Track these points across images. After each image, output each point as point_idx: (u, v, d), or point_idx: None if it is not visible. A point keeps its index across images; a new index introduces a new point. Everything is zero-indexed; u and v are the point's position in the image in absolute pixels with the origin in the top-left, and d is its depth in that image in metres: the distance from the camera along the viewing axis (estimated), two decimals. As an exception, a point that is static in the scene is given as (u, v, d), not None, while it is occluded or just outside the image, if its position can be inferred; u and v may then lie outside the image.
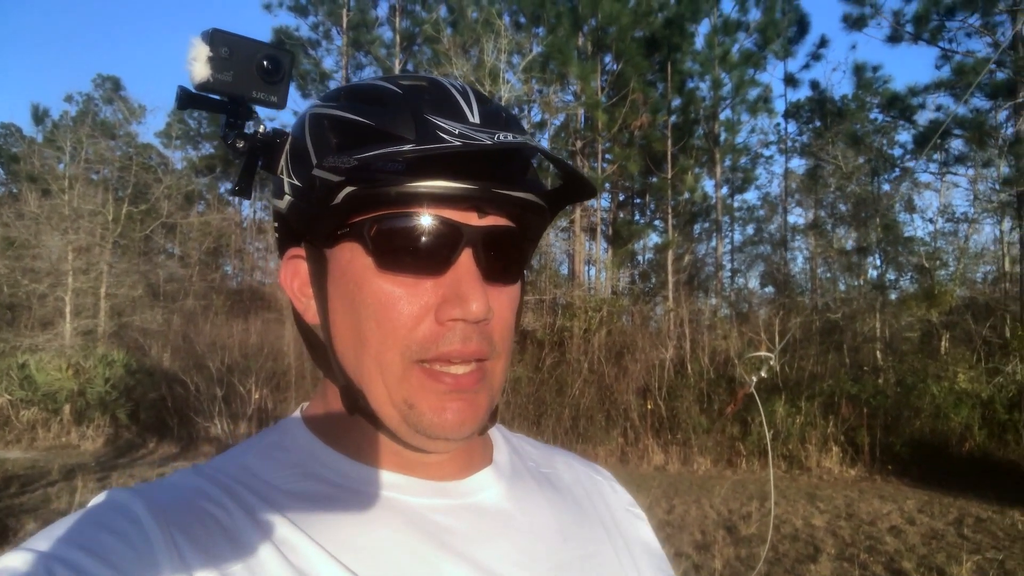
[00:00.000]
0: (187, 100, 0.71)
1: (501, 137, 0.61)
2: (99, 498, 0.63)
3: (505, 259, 0.69)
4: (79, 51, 69.00)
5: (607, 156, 21.77)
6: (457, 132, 0.61)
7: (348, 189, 0.62)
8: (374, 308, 0.65)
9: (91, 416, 15.20)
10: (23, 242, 19.79)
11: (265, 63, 0.72)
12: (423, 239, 0.64)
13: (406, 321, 0.65)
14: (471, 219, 0.65)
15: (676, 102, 22.39)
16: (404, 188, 0.62)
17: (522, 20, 21.76)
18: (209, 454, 11.91)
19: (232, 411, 14.24)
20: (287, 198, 0.70)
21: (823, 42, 22.32)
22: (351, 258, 0.67)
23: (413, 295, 0.65)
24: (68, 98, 29.76)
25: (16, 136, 30.57)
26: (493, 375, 0.69)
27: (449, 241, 0.65)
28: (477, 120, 0.65)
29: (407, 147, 0.59)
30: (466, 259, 0.65)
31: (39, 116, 29.89)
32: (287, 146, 0.71)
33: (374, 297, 0.65)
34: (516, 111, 22.34)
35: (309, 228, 0.69)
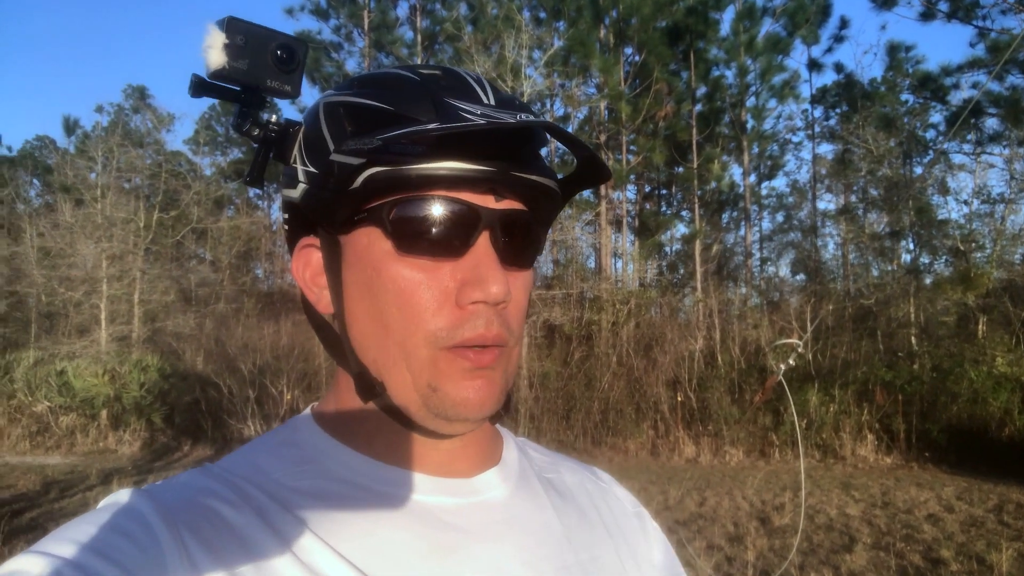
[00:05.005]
0: (201, 88, 0.70)
1: (522, 117, 0.62)
2: (108, 499, 0.62)
3: (521, 243, 0.69)
4: (108, 62, 70.42)
5: (631, 148, 21.68)
6: (479, 112, 0.62)
7: (369, 172, 0.62)
8: (395, 294, 0.65)
9: (127, 421, 15.51)
10: (59, 251, 20.21)
11: (280, 52, 0.72)
12: (442, 222, 0.64)
13: (428, 306, 0.65)
14: (488, 202, 0.66)
15: (701, 91, 22.23)
16: (424, 170, 0.62)
17: (542, 15, 21.74)
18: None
19: (265, 412, 14.43)
20: (301, 186, 0.70)
21: (844, 23, 22.03)
22: (368, 243, 0.67)
23: (433, 279, 0.65)
24: (99, 109, 30.37)
25: (50, 148, 31.24)
26: (509, 359, 0.69)
27: (468, 224, 0.65)
28: (493, 103, 0.66)
29: (433, 125, 0.60)
30: (484, 242, 0.65)
31: (70, 127, 30.50)
32: (300, 135, 0.71)
33: (394, 283, 0.65)
34: (538, 106, 22.31)
35: (325, 215, 0.69)
